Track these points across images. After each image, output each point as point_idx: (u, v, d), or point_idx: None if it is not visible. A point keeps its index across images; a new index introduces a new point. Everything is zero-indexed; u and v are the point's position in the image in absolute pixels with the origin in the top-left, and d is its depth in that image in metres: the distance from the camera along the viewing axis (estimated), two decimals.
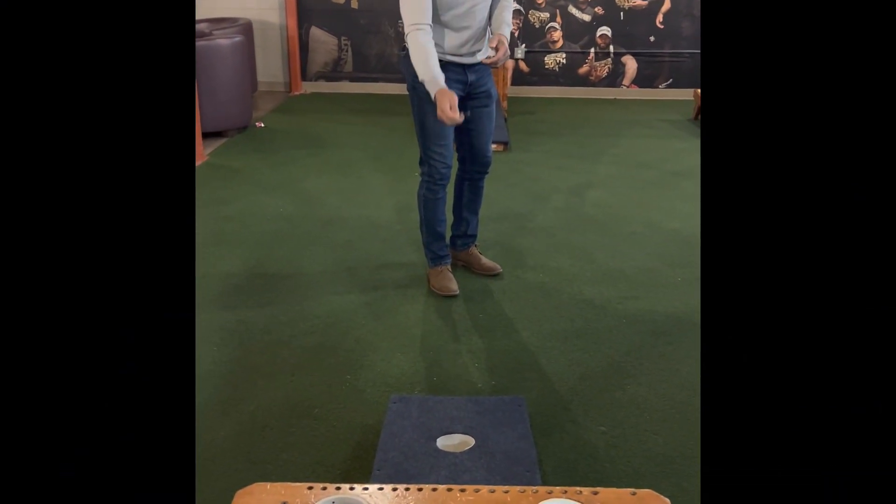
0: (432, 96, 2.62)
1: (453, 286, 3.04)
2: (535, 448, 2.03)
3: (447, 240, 3.15)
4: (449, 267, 3.11)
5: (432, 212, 2.99)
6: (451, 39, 2.72)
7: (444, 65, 2.73)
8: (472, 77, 2.82)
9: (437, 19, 2.66)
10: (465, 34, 2.73)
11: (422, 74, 2.62)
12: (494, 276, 3.20)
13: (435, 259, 3.09)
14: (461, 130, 2.93)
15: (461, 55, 2.76)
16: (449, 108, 2.57)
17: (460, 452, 1.99)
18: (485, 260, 3.24)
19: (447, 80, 2.72)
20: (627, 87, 6.86)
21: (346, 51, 6.91)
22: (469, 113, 2.85)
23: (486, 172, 3.08)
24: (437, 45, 2.69)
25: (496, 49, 2.74)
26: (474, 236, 3.25)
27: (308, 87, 7.00)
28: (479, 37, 2.79)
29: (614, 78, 6.85)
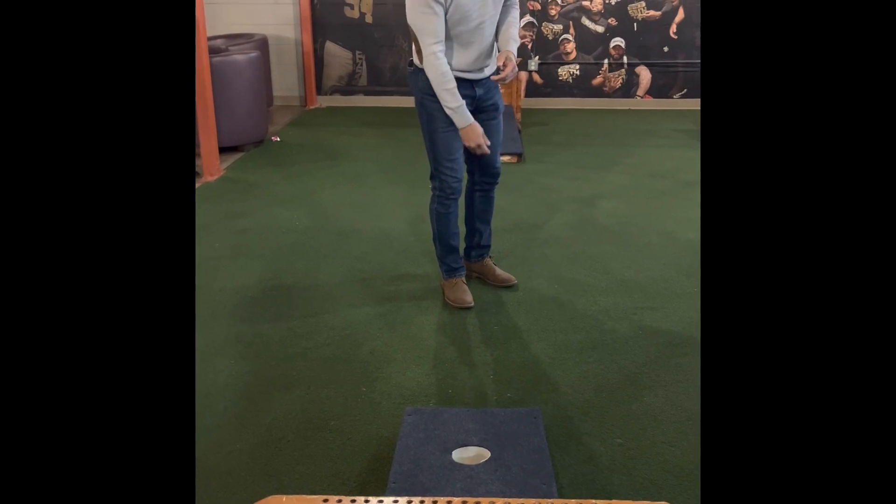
0: (458, 126, 2.77)
1: (468, 298, 3.04)
2: (550, 460, 2.03)
3: (461, 252, 3.16)
4: (463, 279, 3.12)
5: (445, 226, 3.00)
6: (460, 56, 2.74)
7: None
8: (479, 91, 2.84)
9: (446, 36, 2.68)
10: (474, 50, 2.75)
11: (449, 103, 2.72)
12: (509, 287, 3.20)
13: (449, 271, 3.10)
14: None
15: (470, 71, 2.78)
16: (483, 142, 2.79)
17: (476, 465, 1.99)
18: (499, 271, 3.24)
19: None
20: (641, 97, 6.86)
21: (361, 65, 6.96)
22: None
23: (496, 183, 3.09)
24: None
25: (504, 66, 2.75)
26: (488, 247, 3.25)
27: (323, 101, 7.06)
28: (488, 52, 2.80)
29: (628, 88, 6.84)
